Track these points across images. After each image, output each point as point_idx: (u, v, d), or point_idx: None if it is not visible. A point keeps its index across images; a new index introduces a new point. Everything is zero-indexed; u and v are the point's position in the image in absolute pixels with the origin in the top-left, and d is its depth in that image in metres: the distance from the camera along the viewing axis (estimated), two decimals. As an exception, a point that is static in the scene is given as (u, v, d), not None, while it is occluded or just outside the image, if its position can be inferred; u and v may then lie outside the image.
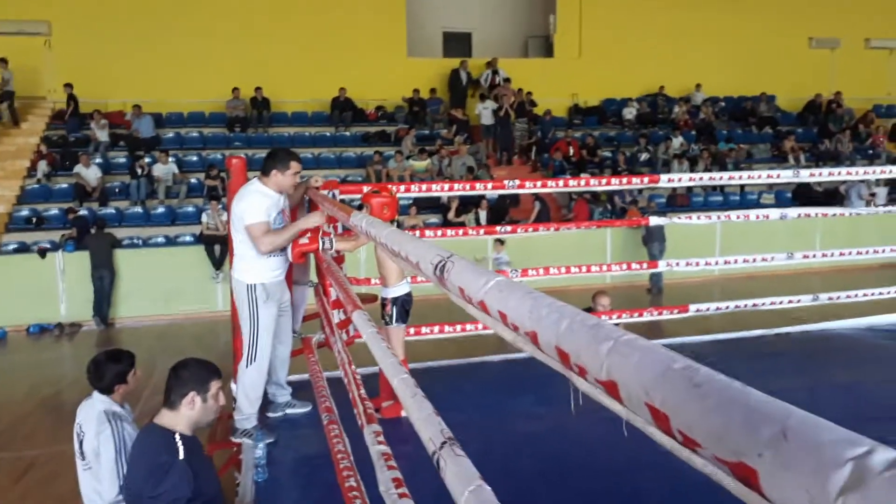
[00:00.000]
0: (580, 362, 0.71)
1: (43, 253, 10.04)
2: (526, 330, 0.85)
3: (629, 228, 11.46)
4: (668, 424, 0.57)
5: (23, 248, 10.55)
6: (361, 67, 14.97)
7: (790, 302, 5.91)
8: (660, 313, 5.95)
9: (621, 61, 16.45)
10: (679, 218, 6.57)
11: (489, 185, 6.35)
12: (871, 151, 15.73)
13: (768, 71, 17.02)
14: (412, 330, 4.87)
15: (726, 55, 16.91)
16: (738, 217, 6.70)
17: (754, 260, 6.17)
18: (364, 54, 15.07)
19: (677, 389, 0.57)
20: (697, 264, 6.00)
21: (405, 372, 1.64)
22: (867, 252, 6.44)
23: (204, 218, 10.76)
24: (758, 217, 6.44)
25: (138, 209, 11.78)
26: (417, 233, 6.67)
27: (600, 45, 16.48)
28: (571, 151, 14.15)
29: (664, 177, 5.91)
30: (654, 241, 10.93)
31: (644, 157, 14.33)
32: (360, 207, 3.89)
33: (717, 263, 6.43)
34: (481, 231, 7.93)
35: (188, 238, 11.15)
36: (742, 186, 13.79)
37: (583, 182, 6.73)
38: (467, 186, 5.78)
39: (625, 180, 6.65)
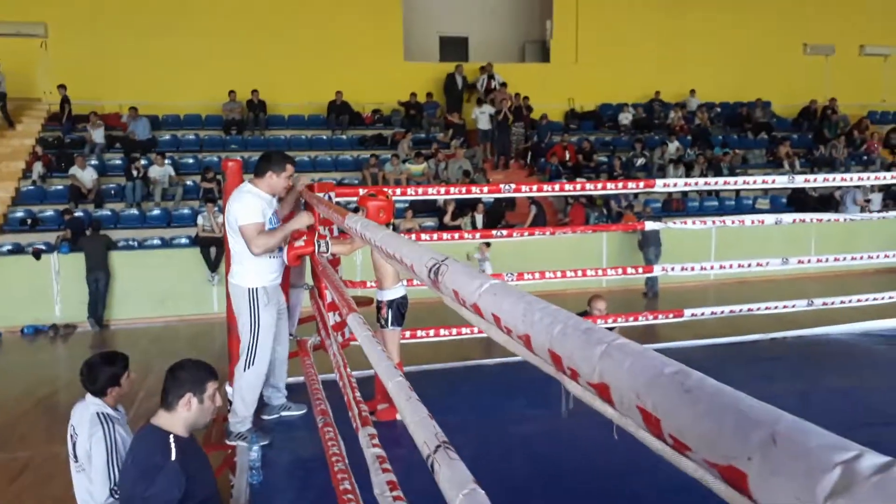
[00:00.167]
0: (572, 365, 0.71)
1: (38, 254, 10.02)
2: (519, 333, 0.85)
3: (625, 233, 11.48)
4: (660, 428, 0.57)
5: (18, 250, 10.52)
6: (358, 71, 14.99)
7: (785, 307, 5.93)
8: (655, 318, 5.96)
9: (618, 66, 16.50)
10: (674, 223, 6.59)
11: (485, 189, 6.35)
12: (865, 157, 15.80)
13: (764, 77, 17.10)
14: (408, 333, 4.87)
15: (722, 61, 16.98)
16: (733, 222, 6.70)
17: (749, 265, 6.19)
18: (361, 58, 15.08)
19: (669, 394, 0.57)
20: (693, 269, 6.02)
21: (400, 375, 1.64)
22: (862, 258, 6.47)
23: (200, 220, 10.75)
24: (753, 222, 6.46)
25: (134, 211, 11.75)
26: (413, 236, 6.67)
27: (597, 50, 16.53)
28: (568, 156, 14.18)
29: (660, 181, 5.92)
30: (649, 246, 10.95)
31: (640, 161, 14.36)
32: (355, 210, 3.89)
33: (712, 268, 6.45)
34: (477, 235, 7.94)
35: (184, 240, 11.14)
36: (738, 191, 13.84)
37: (579, 186, 6.73)
38: (463, 190, 5.78)
39: (621, 185, 6.66)
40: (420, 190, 5.56)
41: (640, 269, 7.52)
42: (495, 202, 12.21)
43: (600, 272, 6.66)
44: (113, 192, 12.23)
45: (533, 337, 0.81)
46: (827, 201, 13.47)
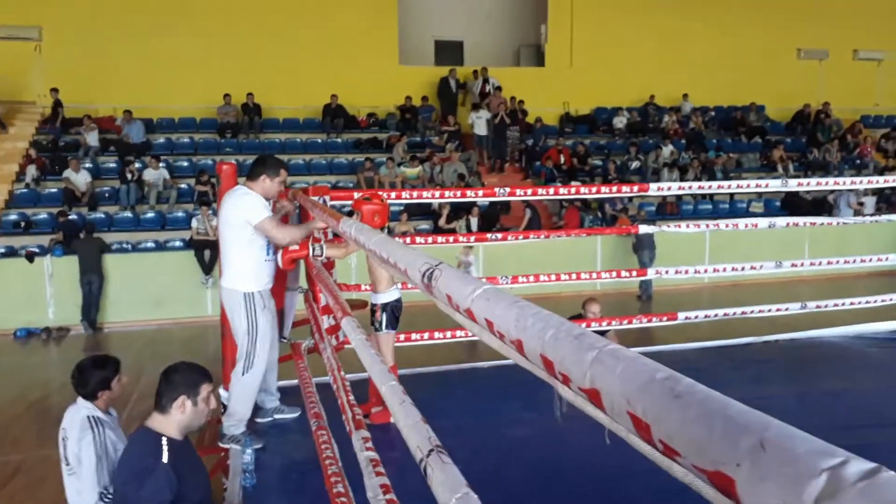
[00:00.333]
0: (564, 371, 0.72)
1: (31, 257, 9.98)
2: (512, 338, 0.86)
3: (619, 236, 11.50)
4: (650, 434, 0.58)
5: (11, 253, 10.47)
6: (353, 74, 14.99)
7: (778, 310, 5.95)
8: (649, 320, 5.98)
9: (612, 70, 16.54)
10: (669, 226, 6.61)
11: (480, 192, 6.36)
12: (858, 161, 15.87)
13: (757, 81, 17.16)
14: (402, 336, 4.87)
15: (716, 65, 17.04)
16: (727, 225, 6.74)
17: (743, 268, 6.22)
18: (356, 61, 15.09)
19: (659, 399, 0.57)
20: (687, 272, 6.03)
21: (394, 379, 1.64)
22: (855, 261, 6.50)
23: (194, 223, 10.73)
24: (747, 226, 6.48)
25: (128, 214, 11.72)
26: (408, 239, 6.69)
27: (591, 54, 16.57)
28: (562, 159, 14.20)
29: (654, 185, 5.95)
30: (643, 249, 10.98)
31: (634, 165, 14.39)
32: (350, 214, 3.89)
33: (706, 271, 6.47)
34: (472, 238, 7.96)
35: (178, 243, 11.11)
36: (731, 195, 13.87)
37: (573, 190, 6.74)
38: (458, 193, 5.79)
39: (615, 188, 6.67)
40: (415, 193, 5.57)
41: (635, 273, 7.55)
42: (490, 205, 12.22)
43: (595, 275, 6.69)
44: (107, 195, 12.19)
45: (525, 342, 0.82)
46: (820, 205, 13.53)
